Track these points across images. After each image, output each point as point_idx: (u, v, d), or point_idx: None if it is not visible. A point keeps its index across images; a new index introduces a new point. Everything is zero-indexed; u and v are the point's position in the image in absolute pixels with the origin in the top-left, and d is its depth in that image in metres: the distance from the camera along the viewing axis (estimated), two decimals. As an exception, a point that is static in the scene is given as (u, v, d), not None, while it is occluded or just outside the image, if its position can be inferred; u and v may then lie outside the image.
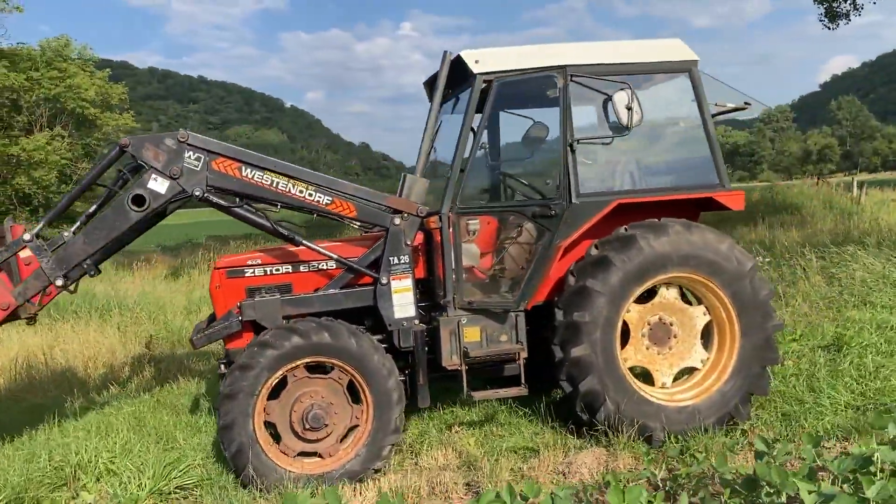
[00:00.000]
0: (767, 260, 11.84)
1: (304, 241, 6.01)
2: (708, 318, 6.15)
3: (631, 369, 6.10)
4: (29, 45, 31.42)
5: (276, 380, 5.49)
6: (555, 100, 5.98)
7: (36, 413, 7.46)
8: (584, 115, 6.35)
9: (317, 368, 5.64)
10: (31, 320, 5.96)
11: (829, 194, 23.85)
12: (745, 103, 6.64)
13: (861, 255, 11.45)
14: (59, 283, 5.54)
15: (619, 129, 5.93)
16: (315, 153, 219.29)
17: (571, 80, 5.93)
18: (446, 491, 5.32)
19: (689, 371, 6.26)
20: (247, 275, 6.04)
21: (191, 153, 5.59)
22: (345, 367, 5.54)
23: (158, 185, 5.56)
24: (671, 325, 6.14)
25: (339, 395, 5.62)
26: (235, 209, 5.83)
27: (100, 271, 6.29)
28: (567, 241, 5.90)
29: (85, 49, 33.60)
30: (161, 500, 5.46)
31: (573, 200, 5.91)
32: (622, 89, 5.88)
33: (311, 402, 5.50)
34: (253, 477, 5.36)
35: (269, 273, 6.07)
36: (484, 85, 5.92)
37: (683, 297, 6.22)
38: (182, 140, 5.57)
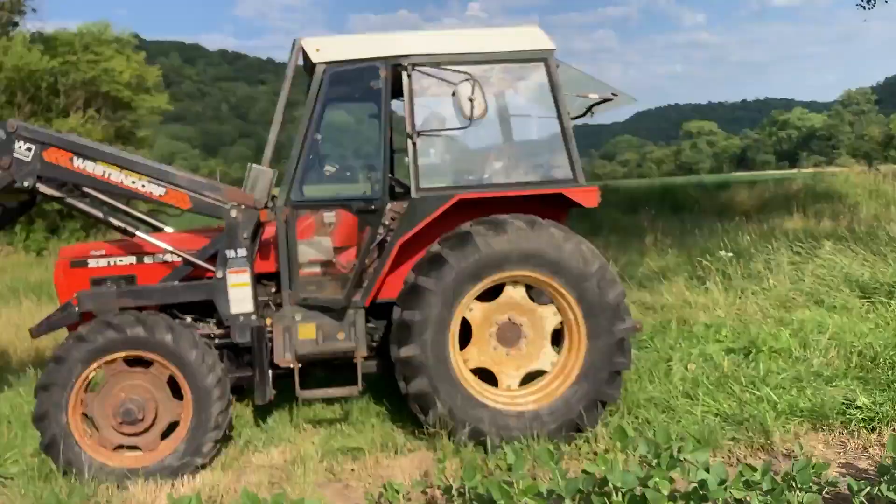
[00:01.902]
0: (730, 255, 11.34)
1: (139, 233, 5.96)
2: (559, 318, 5.90)
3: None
4: (68, 30, 32.27)
5: (92, 373, 5.46)
6: (399, 91, 5.78)
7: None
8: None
9: (143, 362, 5.59)
10: None
11: (877, 183, 22.88)
12: (612, 94, 6.33)
13: (828, 251, 10.91)
14: None
15: (462, 122, 5.70)
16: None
17: (414, 71, 5.72)
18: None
19: (541, 374, 6.02)
20: (90, 265, 6.04)
21: (21, 143, 5.59)
22: (162, 361, 5.48)
23: None
24: (521, 325, 5.90)
25: (161, 390, 5.57)
26: (68, 200, 5.81)
27: None
28: (405, 238, 5.70)
29: (124, 32, 34.25)
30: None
31: (413, 195, 5.72)
32: (466, 80, 5.65)
33: (126, 395, 5.46)
34: (66, 468, 5.35)
35: (112, 264, 6.06)
36: (324, 74, 5.76)
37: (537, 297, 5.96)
38: (11, 131, 5.56)
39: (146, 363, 5.57)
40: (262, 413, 6.59)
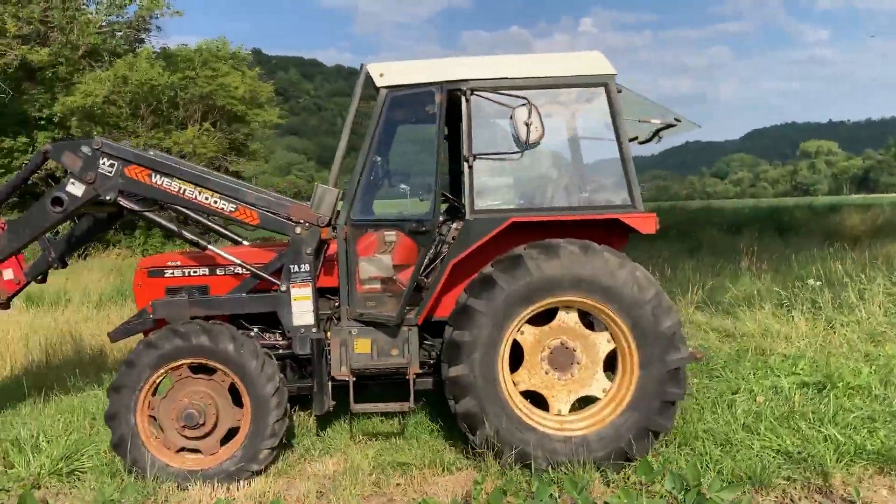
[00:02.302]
0: (818, 283, 10.91)
1: (211, 247, 6.27)
2: (612, 345, 5.86)
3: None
4: (188, 46, 33.95)
5: (160, 377, 5.79)
6: (458, 115, 5.90)
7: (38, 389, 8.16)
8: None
9: (207, 370, 5.88)
10: (4, 306, 6.65)
11: None
12: (676, 119, 6.26)
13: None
14: None
15: (519, 146, 5.77)
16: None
17: (473, 95, 5.83)
18: (297, 500, 5.42)
19: (594, 401, 5.99)
20: (166, 275, 6.41)
21: (105, 160, 6.00)
22: (224, 370, 5.76)
23: (75, 188, 6.01)
24: (574, 350, 5.89)
25: (223, 397, 5.85)
26: (146, 213, 6.19)
27: (65, 265, 6.89)
28: (458, 258, 5.80)
29: (240, 49, 35.74)
30: (60, 481, 5.90)
31: (467, 217, 5.82)
32: (522, 105, 5.72)
33: (189, 401, 5.75)
34: (132, 466, 5.69)
35: (186, 275, 6.41)
36: (386, 98, 5.93)
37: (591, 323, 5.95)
38: (96, 147, 5.98)
39: (210, 370, 5.86)
40: (322, 423, 6.81)
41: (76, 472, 5.99)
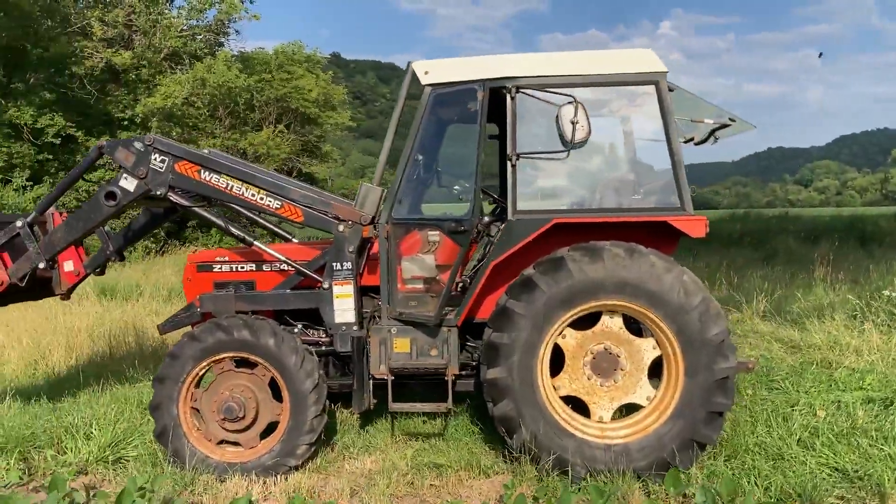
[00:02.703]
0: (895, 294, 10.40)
1: (257, 243, 6.34)
2: (657, 352, 5.68)
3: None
4: (265, 50, 34.70)
5: (203, 370, 5.87)
6: (502, 113, 5.81)
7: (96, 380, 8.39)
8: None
9: (249, 363, 5.94)
10: (65, 296, 6.88)
11: None
12: (730, 119, 6.03)
13: None
14: (42, 265, 6.31)
15: (564, 145, 5.65)
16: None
17: (518, 93, 5.73)
18: (331, 497, 5.42)
19: (638, 408, 5.82)
20: (214, 270, 6.50)
21: (157, 156, 6.12)
22: (265, 364, 5.80)
23: (128, 183, 6.15)
24: (618, 356, 5.74)
25: (263, 391, 5.89)
26: (195, 209, 6.29)
27: (123, 258, 7.08)
28: (499, 259, 5.71)
29: (315, 53, 36.32)
30: (106, 467, 6.04)
31: (510, 217, 5.72)
32: (569, 103, 5.60)
33: (229, 394, 5.81)
34: (173, 456, 5.78)
35: (234, 270, 6.49)
36: (430, 96, 5.89)
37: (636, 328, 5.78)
38: (148, 143, 6.11)
39: (252, 364, 5.91)
40: (363, 421, 6.80)
41: (122, 460, 6.11)
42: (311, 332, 6.42)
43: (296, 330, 6.36)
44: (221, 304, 6.23)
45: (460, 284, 5.95)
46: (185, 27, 30.76)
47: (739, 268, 18.39)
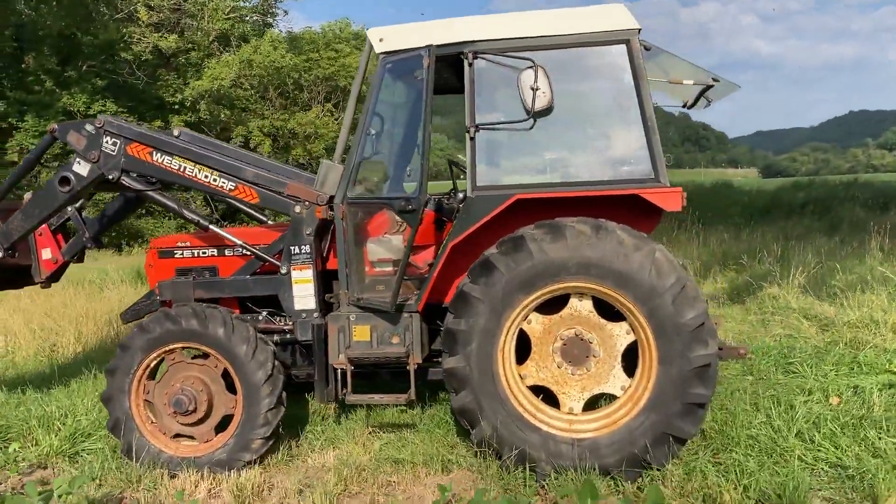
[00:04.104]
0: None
1: (213, 227, 6.05)
2: (632, 337, 5.20)
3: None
4: (312, 29, 34.62)
5: (154, 361, 5.63)
6: (468, 81, 5.36)
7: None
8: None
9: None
10: (45, 285, 6.78)
11: None
12: (714, 79, 5.45)
13: None
14: (0, 254, 6.16)
15: (526, 114, 5.18)
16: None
17: (477, 59, 5.28)
18: (279, 495, 5.14)
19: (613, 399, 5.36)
20: (176, 256, 6.25)
21: (108, 138, 5.88)
22: (215, 354, 5.54)
23: (81, 168, 5.95)
24: (590, 342, 5.27)
25: (216, 383, 5.64)
26: (148, 192, 6.04)
27: (101, 244, 6.92)
28: (458, 240, 5.29)
29: (363, 29, 36.07)
30: (64, 461, 5.89)
31: (469, 194, 5.30)
32: (529, 67, 5.12)
33: (180, 387, 5.57)
34: (126, 450, 5.58)
35: (196, 255, 6.23)
36: (382, 66, 5.49)
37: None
38: (99, 126, 5.88)
39: (206, 355, 5.65)
40: (340, 411, 6.50)
41: (82, 453, 5.95)
42: (278, 319, 6.12)
43: (261, 317, 6.07)
44: (180, 292, 5.99)
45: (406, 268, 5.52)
46: (231, 9, 30.80)
47: (797, 238, 17.50)
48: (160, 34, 28.05)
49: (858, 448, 5.26)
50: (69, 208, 6.49)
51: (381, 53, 5.48)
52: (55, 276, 6.85)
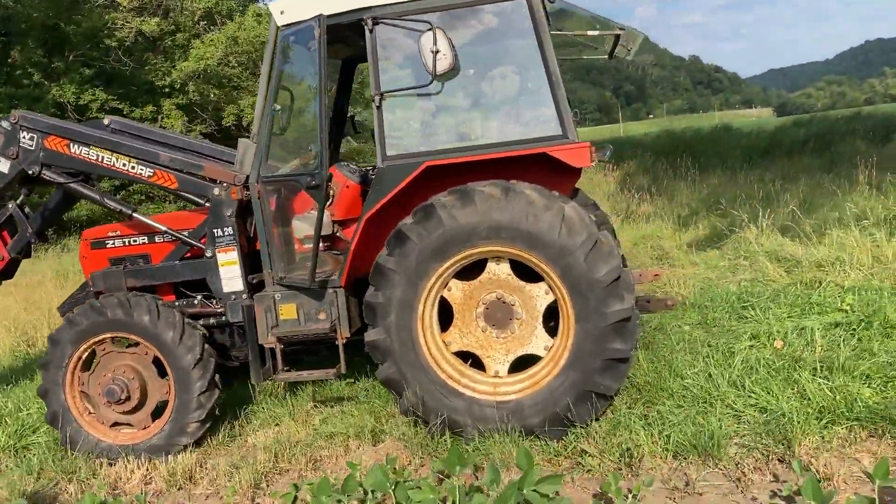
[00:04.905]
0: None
1: (137, 214, 6.04)
2: (552, 297, 5.15)
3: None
4: None
5: (85, 353, 5.67)
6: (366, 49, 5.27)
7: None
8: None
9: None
10: None
11: None
12: (619, 28, 5.32)
13: None
14: None
15: (428, 77, 5.09)
16: (641, 71, 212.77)
17: (377, 25, 5.18)
18: (209, 475, 5.19)
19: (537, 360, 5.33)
20: (108, 246, 6.25)
21: (25, 133, 5.87)
22: (143, 342, 5.56)
23: (2, 165, 5.94)
24: (513, 305, 5.24)
25: (149, 370, 5.67)
26: (70, 185, 6.02)
27: (45, 238, 6.94)
28: (372, 212, 5.24)
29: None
30: (11, 455, 5.97)
31: (379, 164, 5.24)
32: (428, 30, 5.02)
33: (111, 376, 5.60)
34: (66, 442, 5.65)
35: (128, 244, 6.22)
36: (281, 38, 5.41)
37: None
38: (14, 121, 5.86)
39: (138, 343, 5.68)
40: (289, 388, 6.53)
41: (30, 447, 6.03)
42: (214, 302, 6.11)
43: (196, 301, 6.07)
44: (112, 282, 6.00)
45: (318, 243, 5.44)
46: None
47: (790, 178, 17.28)
48: (142, 18, 27.87)
49: (790, 392, 5.20)
50: (10, 205, 6.48)
51: (282, 26, 5.39)
52: (6, 273, 6.87)
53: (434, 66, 4.99)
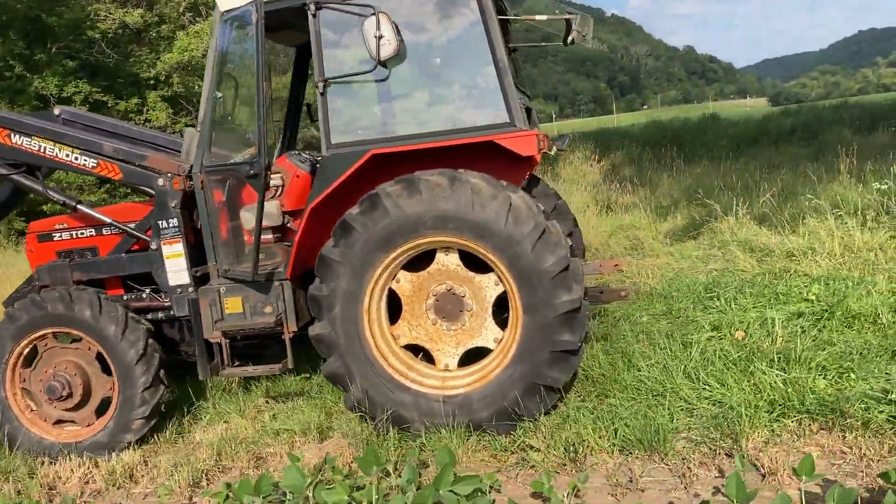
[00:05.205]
0: (885, 186, 9.23)
1: (81, 206, 5.89)
2: (501, 288, 5.02)
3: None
4: None
5: (26, 349, 5.53)
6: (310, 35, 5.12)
7: None
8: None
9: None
10: None
11: None
12: (569, 12, 5.18)
13: None
14: None
15: (373, 63, 4.95)
16: (635, 62, 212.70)
17: (321, 9, 5.04)
18: (150, 474, 5.06)
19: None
20: (55, 238, 6.10)
21: None
22: (85, 337, 5.43)
23: None
24: (463, 296, 5.11)
25: (92, 365, 5.54)
26: (13, 176, 5.87)
27: None
28: (316, 202, 5.10)
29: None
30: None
31: (324, 153, 5.10)
32: (371, 14, 4.87)
33: (52, 372, 5.47)
34: (7, 440, 5.52)
35: (74, 237, 6.08)
36: (222, 24, 5.26)
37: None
38: (-46, 113, 5.70)
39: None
40: (244, 383, 6.40)
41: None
42: (163, 295, 5.97)
43: (144, 295, 5.93)
44: (58, 275, 5.86)
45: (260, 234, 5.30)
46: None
47: (774, 166, 17.19)
48: (125, 10, 27.61)
49: (746, 384, 5.08)
50: None
51: (224, 12, 5.25)
52: None
53: (378, 51, 4.85)
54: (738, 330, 6.09)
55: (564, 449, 4.54)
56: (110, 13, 27.50)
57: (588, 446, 4.52)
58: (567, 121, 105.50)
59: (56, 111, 6.18)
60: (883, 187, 9.22)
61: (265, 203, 5.57)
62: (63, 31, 28.14)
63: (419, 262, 5.14)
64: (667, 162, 20.45)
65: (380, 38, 4.84)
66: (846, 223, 8.69)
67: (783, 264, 7.88)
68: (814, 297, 6.62)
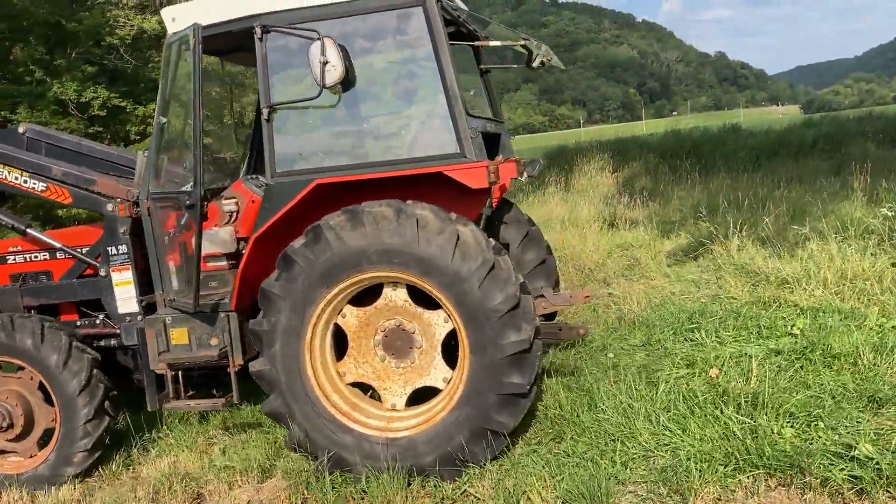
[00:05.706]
0: (891, 213, 8.84)
1: (30, 230, 5.75)
2: (451, 325, 4.80)
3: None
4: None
5: (-35, 377, 5.40)
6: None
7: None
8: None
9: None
10: None
11: None
12: (523, 37, 4.95)
13: None
14: None
15: (319, 89, 4.75)
16: (665, 68, 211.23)
17: (268, 32, 4.86)
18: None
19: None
20: (9, 262, 5.97)
21: None
22: (28, 367, 5.28)
23: None
24: (413, 333, 4.89)
25: (35, 395, 5.40)
26: (-38, 200, 5.76)
27: None
28: (259, 232, 4.91)
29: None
30: None
31: (268, 181, 4.91)
32: (316, 39, 4.67)
33: (-9, 402, 5.33)
34: (-53, 470, 5.39)
35: (28, 260, 5.94)
36: (169, 47, 5.10)
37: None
38: None
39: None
40: (200, 417, 6.23)
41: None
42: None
43: (98, 321, 5.78)
44: (7, 300, 5.72)
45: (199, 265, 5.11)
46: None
47: (790, 181, 16.77)
48: (143, 16, 27.74)
49: (711, 430, 4.80)
50: None
51: (172, 34, 5.08)
52: None
53: (322, 77, 4.64)
54: (712, 367, 5.80)
55: (504, 501, 4.29)
56: (129, 19, 27.61)
57: (528, 499, 4.27)
58: (593, 126, 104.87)
59: (21, 129, 6.05)
60: (890, 213, 8.82)
61: (219, 230, 5.42)
62: (82, 37, 28.32)
63: (368, 295, 4.93)
64: (682, 174, 20.07)
65: (325, 63, 4.64)
66: (849, 246, 8.35)
67: (774, 293, 7.57)
68: (798, 332, 6.34)
